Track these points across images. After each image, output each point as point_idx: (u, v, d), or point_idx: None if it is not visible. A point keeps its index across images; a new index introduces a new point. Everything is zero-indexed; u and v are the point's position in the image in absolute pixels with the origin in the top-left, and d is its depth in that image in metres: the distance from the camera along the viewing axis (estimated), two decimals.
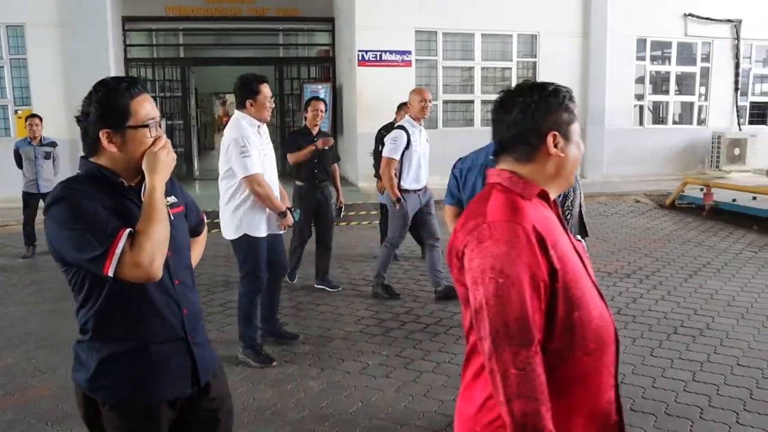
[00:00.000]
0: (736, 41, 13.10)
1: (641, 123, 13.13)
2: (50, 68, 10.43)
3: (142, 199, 1.76)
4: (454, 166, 3.36)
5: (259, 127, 4.07)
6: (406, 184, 5.41)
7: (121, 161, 1.77)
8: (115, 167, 1.78)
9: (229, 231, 4.06)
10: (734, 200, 9.00)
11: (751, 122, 13.86)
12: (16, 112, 10.44)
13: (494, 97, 1.58)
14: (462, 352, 4.22)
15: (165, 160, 1.78)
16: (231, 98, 35.10)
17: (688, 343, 4.43)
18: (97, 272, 1.66)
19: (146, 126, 1.75)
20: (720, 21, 12.88)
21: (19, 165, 7.36)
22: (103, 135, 1.73)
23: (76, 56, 10.15)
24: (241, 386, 3.85)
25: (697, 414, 3.43)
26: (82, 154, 1.83)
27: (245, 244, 4.04)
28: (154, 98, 13.18)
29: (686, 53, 13.21)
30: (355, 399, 3.66)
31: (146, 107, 1.77)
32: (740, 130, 13.38)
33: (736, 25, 12.97)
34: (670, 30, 12.76)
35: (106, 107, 1.73)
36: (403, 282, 6.07)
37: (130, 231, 1.66)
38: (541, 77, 11.98)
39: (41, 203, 7.39)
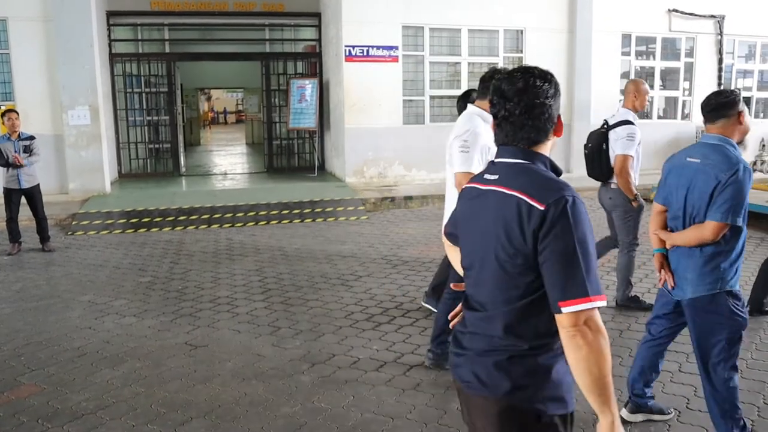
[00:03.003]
0: (719, 37, 13.25)
1: None
2: (34, 63, 10.30)
3: None
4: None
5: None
6: (636, 181, 5.04)
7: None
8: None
9: None
10: None
11: None
12: None
13: None
14: None
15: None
16: (216, 93, 34.98)
17: None
18: (551, 298, 1.55)
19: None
20: (703, 17, 13.01)
21: (1, 163, 7.25)
22: (558, 119, 1.63)
23: (60, 51, 10.02)
24: (233, 381, 3.86)
25: (684, 404, 3.50)
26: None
27: None
28: (139, 94, 13.11)
29: (670, 49, 13.34)
30: (346, 393, 3.68)
31: None
32: None
33: (719, 20, 13.12)
34: (654, 26, 12.88)
35: (558, 91, 1.63)
36: (392, 277, 6.10)
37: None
38: None
39: (23, 199, 7.33)
